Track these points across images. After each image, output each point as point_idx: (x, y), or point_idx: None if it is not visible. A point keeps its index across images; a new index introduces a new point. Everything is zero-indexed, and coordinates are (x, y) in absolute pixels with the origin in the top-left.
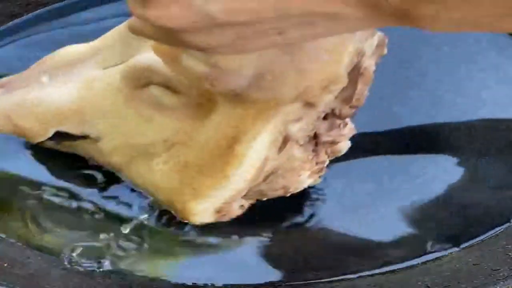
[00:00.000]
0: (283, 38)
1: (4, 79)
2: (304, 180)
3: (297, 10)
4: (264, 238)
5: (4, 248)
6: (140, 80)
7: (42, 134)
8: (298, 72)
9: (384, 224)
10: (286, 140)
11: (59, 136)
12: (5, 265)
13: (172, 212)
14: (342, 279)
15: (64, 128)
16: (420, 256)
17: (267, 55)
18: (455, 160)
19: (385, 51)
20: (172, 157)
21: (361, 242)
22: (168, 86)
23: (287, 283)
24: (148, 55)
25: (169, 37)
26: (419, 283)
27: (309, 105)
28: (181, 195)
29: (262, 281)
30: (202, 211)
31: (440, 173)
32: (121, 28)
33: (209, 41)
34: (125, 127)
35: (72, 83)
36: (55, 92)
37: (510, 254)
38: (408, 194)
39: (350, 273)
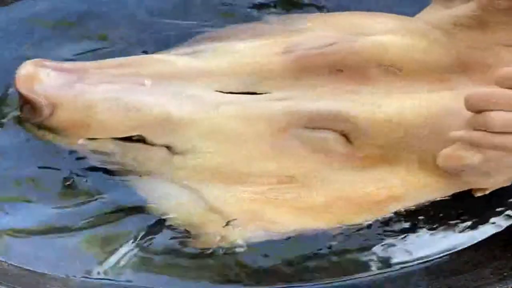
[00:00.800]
0: None
1: (77, 65)
2: None
3: None
4: None
5: (4, 248)
6: (317, 122)
7: (121, 133)
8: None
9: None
10: None
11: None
12: (6, 265)
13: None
14: (342, 280)
15: (148, 134)
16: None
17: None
18: None
19: None
20: (277, 190)
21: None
22: (344, 135)
23: None
24: (343, 105)
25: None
26: (420, 283)
27: None
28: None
29: None
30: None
31: None
32: (251, 63)
33: None
34: (239, 152)
35: (180, 96)
36: (158, 100)
37: (510, 254)
38: None
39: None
